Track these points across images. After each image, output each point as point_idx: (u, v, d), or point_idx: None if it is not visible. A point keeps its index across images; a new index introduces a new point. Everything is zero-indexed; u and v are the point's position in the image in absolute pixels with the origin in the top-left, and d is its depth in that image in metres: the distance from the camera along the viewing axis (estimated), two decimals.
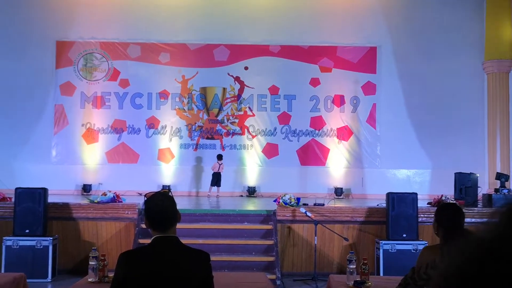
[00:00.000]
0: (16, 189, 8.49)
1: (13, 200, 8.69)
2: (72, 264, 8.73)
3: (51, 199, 8.82)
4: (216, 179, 13.69)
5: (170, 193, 2.95)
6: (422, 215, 8.78)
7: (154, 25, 14.51)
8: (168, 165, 14.46)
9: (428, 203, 9.96)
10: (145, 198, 2.93)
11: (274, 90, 14.67)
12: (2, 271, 8.04)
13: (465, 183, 10.40)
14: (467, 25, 14.58)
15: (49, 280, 8.16)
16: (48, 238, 8.27)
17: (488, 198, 10.11)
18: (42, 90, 14.30)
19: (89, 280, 4.68)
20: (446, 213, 3.64)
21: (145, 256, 2.84)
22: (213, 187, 13.72)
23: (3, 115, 14.01)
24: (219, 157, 13.84)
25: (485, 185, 13.15)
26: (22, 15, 14.35)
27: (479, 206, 10.04)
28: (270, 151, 14.59)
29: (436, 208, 3.99)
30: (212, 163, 13.90)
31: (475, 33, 14.53)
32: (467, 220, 9.17)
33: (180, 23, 14.56)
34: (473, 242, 0.68)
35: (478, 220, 9.17)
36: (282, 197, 9.24)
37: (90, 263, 4.64)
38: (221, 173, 13.73)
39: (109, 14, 14.56)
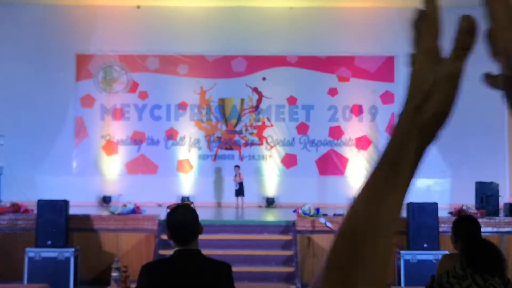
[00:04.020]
0: (38, 201, 8.60)
1: (35, 212, 8.80)
2: (93, 275, 8.79)
3: (72, 210, 8.92)
4: (236, 189, 13.69)
5: (192, 205, 2.97)
6: (443, 225, 8.71)
7: (172, 37, 14.63)
8: (187, 176, 14.52)
9: (449, 213, 9.89)
10: (168, 210, 2.95)
11: (292, 100, 14.69)
12: (25, 282, 8.14)
13: (486, 192, 10.31)
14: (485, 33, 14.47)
15: None
16: (69, 249, 8.36)
17: (509, 207, 10.00)
18: (63, 102, 14.47)
19: None
20: (462, 226, 3.66)
21: (167, 268, 2.87)
22: (238, 198, 13.70)
23: (24, 128, 14.18)
24: (235, 167, 13.86)
25: (506, 194, 13.00)
26: (43, 30, 14.56)
27: (500, 215, 9.95)
28: (289, 161, 14.59)
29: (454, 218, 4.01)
30: (231, 174, 13.93)
31: None
32: (488, 229, 9.10)
33: (198, 35, 14.67)
34: None
35: (500, 229, 9.08)
36: (301, 208, 9.24)
37: (113, 274, 4.68)
38: (238, 183, 13.69)
39: (127, 27, 14.72)
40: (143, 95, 14.67)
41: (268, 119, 14.70)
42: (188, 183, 14.46)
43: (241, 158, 14.51)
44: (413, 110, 0.70)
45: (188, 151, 14.59)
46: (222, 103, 14.72)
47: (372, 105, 14.59)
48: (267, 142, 14.65)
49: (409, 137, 0.70)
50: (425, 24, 0.74)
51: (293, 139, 14.63)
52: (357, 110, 14.61)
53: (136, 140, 14.58)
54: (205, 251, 2.94)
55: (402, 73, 14.58)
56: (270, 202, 14.13)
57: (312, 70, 14.64)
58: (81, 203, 12.06)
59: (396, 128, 0.71)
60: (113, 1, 14.66)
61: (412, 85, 0.71)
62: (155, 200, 12.92)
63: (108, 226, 9.08)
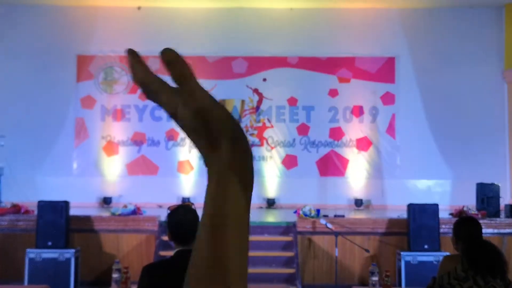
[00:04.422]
0: (39, 202, 8.61)
1: (35, 213, 8.80)
2: (94, 276, 8.80)
3: (72, 211, 8.93)
4: None
5: (193, 206, 2.98)
6: (443, 226, 8.71)
7: (172, 38, 14.61)
8: (188, 177, 14.51)
9: (449, 214, 9.90)
10: (169, 211, 2.95)
11: (292, 102, 14.68)
12: (26, 283, 8.14)
13: (486, 194, 10.31)
14: (486, 34, 14.48)
15: None
16: (70, 250, 8.36)
17: (510, 209, 10.00)
18: (63, 103, 14.47)
19: None
20: (463, 227, 3.66)
21: (168, 269, 2.87)
22: None
23: (24, 129, 14.18)
24: None
25: (507, 195, 12.99)
26: (43, 30, 14.57)
27: (501, 216, 9.95)
28: (289, 162, 14.58)
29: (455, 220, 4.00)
30: None
31: (494, 41, 14.43)
32: (489, 230, 9.09)
33: (198, 36, 14.67)
34: None
35: (501, 231, 9.08)
36: (302, 209, 9.24)
37: (113, 275, 4.68)
38: None
39: (128, 28, 14.72)
40: (144, 96, 14.63)
41: (269, 120, 14.69)
42: (188, 184, 14.45)
43: None
44: (211, 154, 0.70)
45: (189, 152, 14.58)
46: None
47: (373, 106, 14.58)
48: (267, 143, 14.64)
49: (222, 178, 0.68)
50: (148, 87, 0.77)
51: (294, 140, 14.62)
52: (358, 111, 14.60)
53: (137, 141, 14.57)
54: None
55: (403, 74, 14.60)
56: (270, 203, 14.13)
57: (312, 71, 14.64)
58: (81, 204, 12.07)
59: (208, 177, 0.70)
60: (114, 2, 14.67)
61: (190, 136, 0.72)
62: (156, 201, 12.93)
63: (108, 227, 9.08)
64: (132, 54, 0.73)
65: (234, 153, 0.68)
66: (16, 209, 9.63)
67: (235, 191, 0.67)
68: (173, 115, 0.72)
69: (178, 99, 0.71)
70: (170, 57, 0.71)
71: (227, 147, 0.68)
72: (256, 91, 14.70)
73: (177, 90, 0.72)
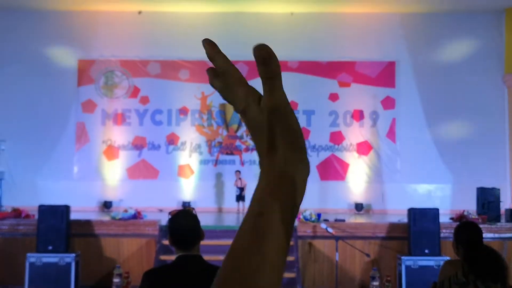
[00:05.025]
0: (40, 206, 8.62)
1: (36, 217, 8.80)
2: (94, 280, 8.79)
3: (73, 215, 8.93)
4: (237, 195, 13.67)
5: (194, 211, 2.98)
6: (444, 231, 8.70)
7: (173, 43, 14.65)
8: (188, 181, 14.51)
9: (450, 218, 9.89)
10: (169, 216, 2.96)
11: (293, 106, 14.47)
12: (26, 287, 8.14)
13: (487, 198, 10.31)
14: (486, 38, 14.50)
15: None
16: (70, 255, 8.36)
17: (510, 213, 10.00)
18: (64, 108, 14.48)
19: None
20: (463, 232, 3.66)
21: (169, 275, 2.87)
22: (239, 203, 13.66)
23: (25, 133, 14.19)
24: (236, 172, 13.84)
25: (507, 200, 12.99)
26: (45, 35, 14.59)
27: (501, 221, 9.94)
28: None
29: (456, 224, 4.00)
30: (231, 179, 13.91)
31: (494, 46, 14.45)
32: (490, 235, 9.08)
33: (199, 40, 14.24)
34: None
35: (501, 235, 9.08)
36: (302, 213, 9.24)
37: (114, 280, 4.68)
38: (239, 188, 13.67)
39: (129, 33, 14.75)
40: (144, 100, 14.68)
41: None
42: (189, 188, 14.45)
43: (242, 163, 14.51)
44: (266, 156, 0.69)
45: (189, 156, 14.59)
46: (223, 109, 14.73)
47: (373, 110, 14.59)
48: None
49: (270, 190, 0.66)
50: (226, 77, 0.76)
51: None
52: (358, 115, 14.61)
53: (137, 145, 14.58)
54: (206, 257, 2.94)
55: (403, 78, 14.61)
56: None
57: (313, 76, 14.65)
58: (82, 208, 12.06)
59: (258, 184, 0.68)
60: (115, 7, 14.69)
61: (253, 135, 0.72)
62: (156, 205, 12.92)
63: (109, 231, 9.08)
64: (210, 44, 0.78)
65: (288, 165, 0.67)
66: (16, 213, 9.63)
67: (276, 228, 0.64)
68: (242, 111, 0.72)
69: (253, 95, 0.71)
70: (264, 54, 0.69)
71: (283, 156, 0.67)
72: None
73: (250, 86, 0.72)
